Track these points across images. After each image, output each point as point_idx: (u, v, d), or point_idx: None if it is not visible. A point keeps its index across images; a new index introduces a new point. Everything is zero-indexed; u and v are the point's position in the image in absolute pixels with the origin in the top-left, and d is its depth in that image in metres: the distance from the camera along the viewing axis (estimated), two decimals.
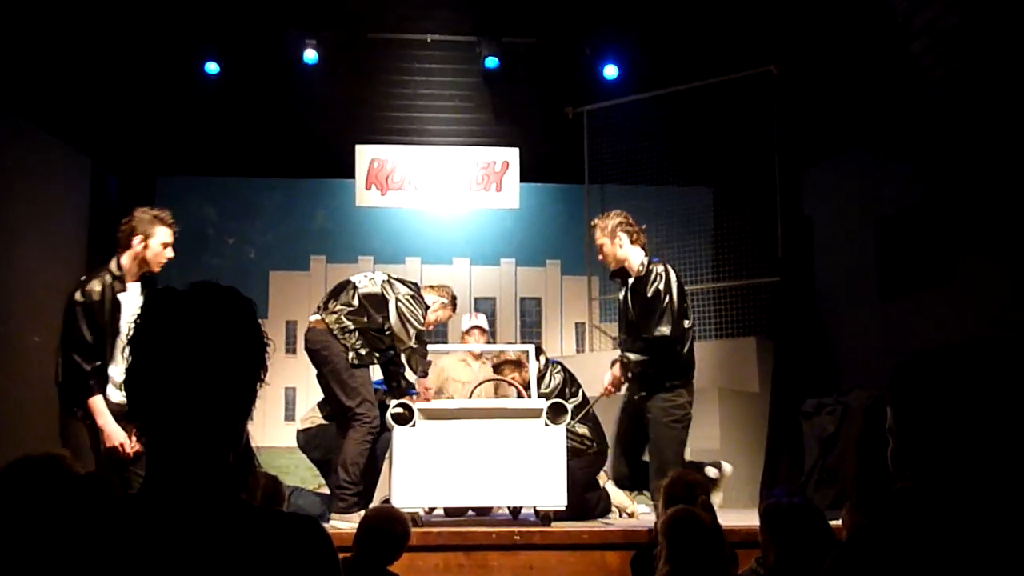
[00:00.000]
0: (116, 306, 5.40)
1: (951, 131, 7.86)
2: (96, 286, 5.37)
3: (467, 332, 8.52)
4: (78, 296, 5.35)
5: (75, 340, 5.32)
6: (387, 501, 6.08)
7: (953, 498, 1.86)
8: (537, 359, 7.47)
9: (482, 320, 8.69)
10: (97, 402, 5.32)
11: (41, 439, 5.58)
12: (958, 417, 1.91)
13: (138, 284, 5.55)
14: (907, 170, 8.48)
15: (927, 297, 8.13)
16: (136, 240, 5.47)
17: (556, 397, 6.83)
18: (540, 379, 7.28)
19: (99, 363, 5.34)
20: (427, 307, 6.94)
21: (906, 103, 8.39)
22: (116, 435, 5.30)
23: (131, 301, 5.42)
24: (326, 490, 7.05)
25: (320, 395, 7.25)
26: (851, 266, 9.35)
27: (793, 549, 3.61)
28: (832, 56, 9.29)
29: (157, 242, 5.48)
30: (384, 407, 6.39)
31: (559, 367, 7.58)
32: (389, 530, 4.38)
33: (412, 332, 6.61)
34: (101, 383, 5.37)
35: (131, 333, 1.71)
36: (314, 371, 6.80)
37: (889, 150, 8.84)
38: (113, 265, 5.50)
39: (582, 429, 7.34)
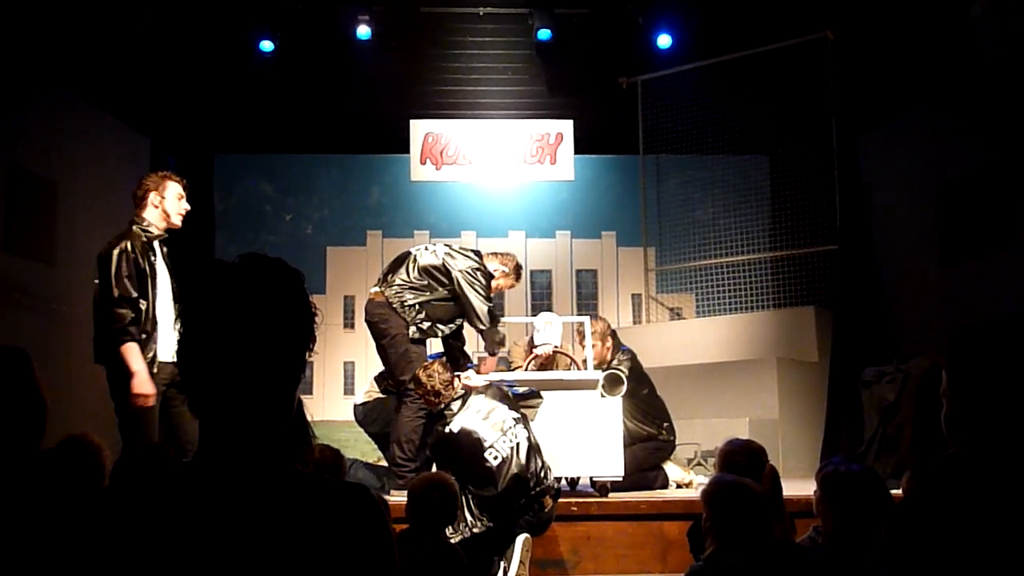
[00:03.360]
0: (153, 252, 5.63)
1: (1012, 93, 7.70)
2: (135, 238, 5.58)
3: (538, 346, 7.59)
4: (122, 246, 5.50)
5: (121, 285, 5.43)
6: None
7: (1003, 463, 1.84)
8: (612, 343, 7.48)
9: (552, 329, 7.64)
10: (134, 348, 5.38)
11: (96, 415, 5.68)
12: (1011, 383, 1.89)
13: (164, 248, 5.79)
14: (968, 134, 8.32)
15: (989, 262, 7.98)
16: (153, 196, 5.72)
17: None
18: (608, 364, 7.24)
19: (137, 314, 5.45)
20: (491, 276, 6.87)
21: (965, 65, 8.23)
22: (145, 385, 5.34)
23: (160, 257, 5.70)
24: (385, 463, 7.10)
25: (377, 369, 7.31)
26: (911, 232, 9.20)
27: (852, 517, 3.54)
28: (889, 19, 9.12)
29: (172, 194, 5.76)
30: None
31: (628, 356, 7.44)
32: (434, 495, 4.39)
33: (484, 310, 6.62)
34: (144, 336, 5.46)
35: (182, 306, 1.74)
36: (373, 345, 6.84)
37: (949, 114, 8.68)
38: (139, 220, 5.70)
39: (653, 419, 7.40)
